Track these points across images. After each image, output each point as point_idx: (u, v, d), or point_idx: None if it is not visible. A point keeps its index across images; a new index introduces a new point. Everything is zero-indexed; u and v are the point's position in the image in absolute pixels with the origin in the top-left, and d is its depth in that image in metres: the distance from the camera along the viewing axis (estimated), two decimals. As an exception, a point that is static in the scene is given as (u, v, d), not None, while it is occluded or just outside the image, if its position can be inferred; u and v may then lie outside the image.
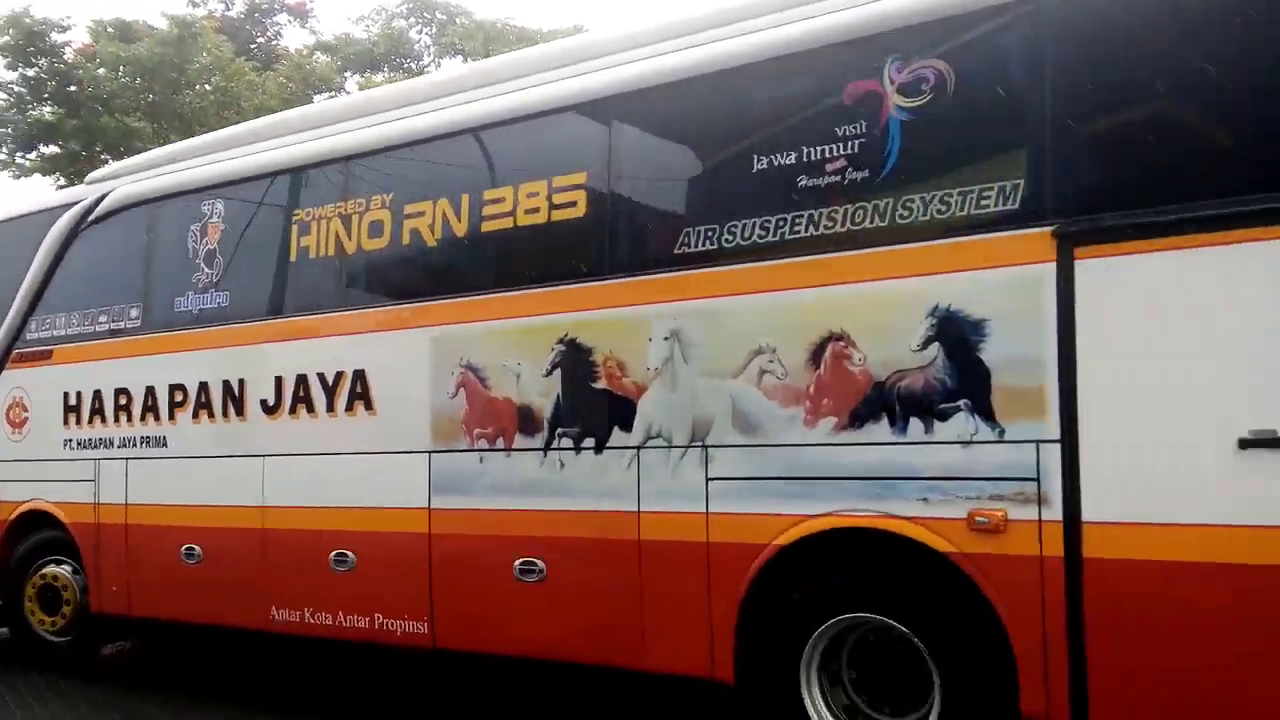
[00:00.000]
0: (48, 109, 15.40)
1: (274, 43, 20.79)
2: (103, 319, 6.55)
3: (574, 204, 4.68)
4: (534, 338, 4.69)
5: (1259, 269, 3.22)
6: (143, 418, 6.20)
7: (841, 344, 3.93)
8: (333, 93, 16.77)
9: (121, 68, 14.93)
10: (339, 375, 5.32)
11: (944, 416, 3.72)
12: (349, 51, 19.84)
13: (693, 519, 4.22)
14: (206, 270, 6.04)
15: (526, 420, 4.70)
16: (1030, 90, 3.71)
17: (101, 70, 15.23)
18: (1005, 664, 3.57)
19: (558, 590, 4.57)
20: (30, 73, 14.95)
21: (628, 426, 4.41)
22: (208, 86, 15.24)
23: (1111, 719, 3.40)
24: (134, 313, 6.39)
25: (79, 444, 6.54)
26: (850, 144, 3.99)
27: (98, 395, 6.43)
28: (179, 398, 6.02)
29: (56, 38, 15.05)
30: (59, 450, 6.62)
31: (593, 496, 4.49)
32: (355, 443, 5.27)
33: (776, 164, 4.16)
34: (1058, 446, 3.49)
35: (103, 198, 6.64)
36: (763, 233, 4.15)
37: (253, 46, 19.56)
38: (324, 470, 5.37)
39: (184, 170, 6.34)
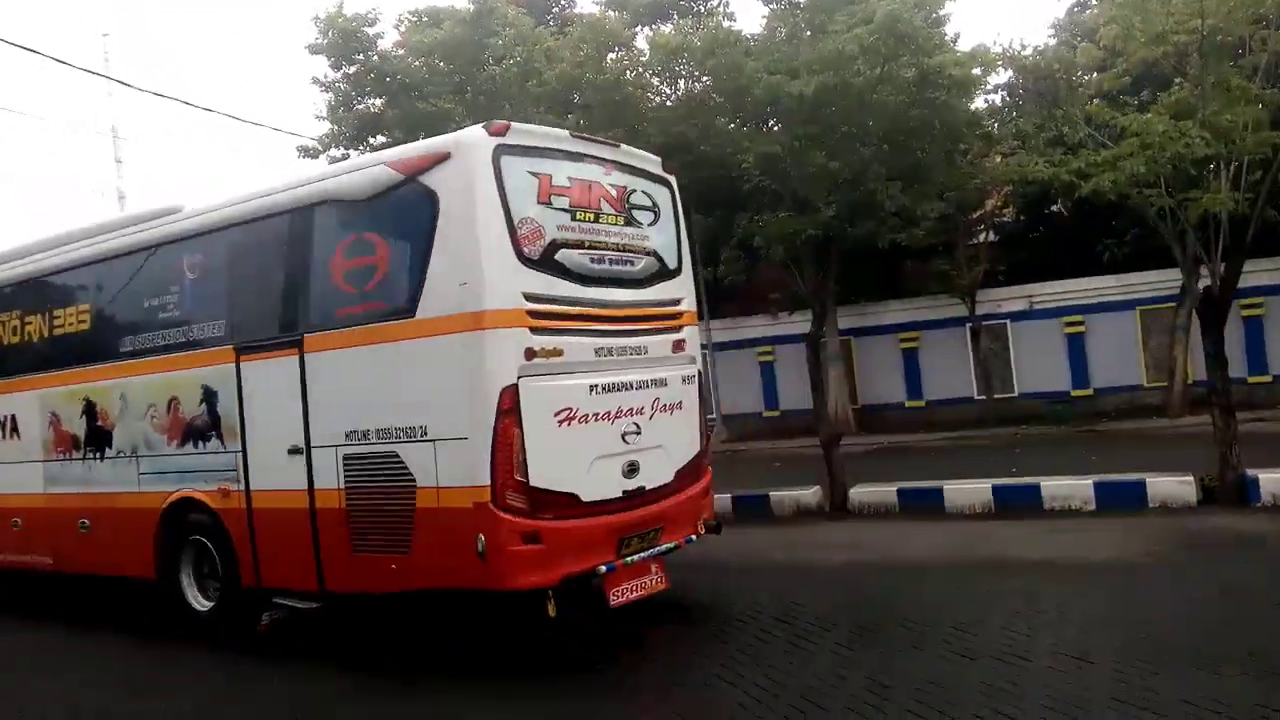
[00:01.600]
0: (371, 102, 16.25)
1: (567, 11, 20.76)
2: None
3: (85, 321, 8.42)
4: (74, 396, 8.45)
5: (287, 369, 6.81)
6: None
7: (177, 402, 7.61)
8: (625, 50, 16.67)
9: (431, 54, 15.55)
10: (9, 417, 9.15)
11: (208, 440, 7.41)
12: (639, 4, 19.31)
13: (133, 494, 7.98)
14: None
15: (76, 443, 8.49)
16: (221, 276, 7.34)
17: (416, 61, 15.91)
18: (236, 562, 7.29)
19: (95, 536, 8.36)
20: (351, 70, 15.73)
21: (110, 445, 8.17)
22: (510, 61, 15.39)
23: (268, 577, 7.09)
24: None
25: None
26: (175, 294, 7.64)
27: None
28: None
29: (368, 31, 15.79)
30: None
31: (102, 484, 8.26)
32: (18, 455, 9.11)
33: (154, 304, 7.82)
34: (242, 454, 7.16)
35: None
36: (146, 342, 7.84)
37: (549, 17, 19.61)
38: (10, 472, 9.21)
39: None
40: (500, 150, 6.09)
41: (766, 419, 21.98)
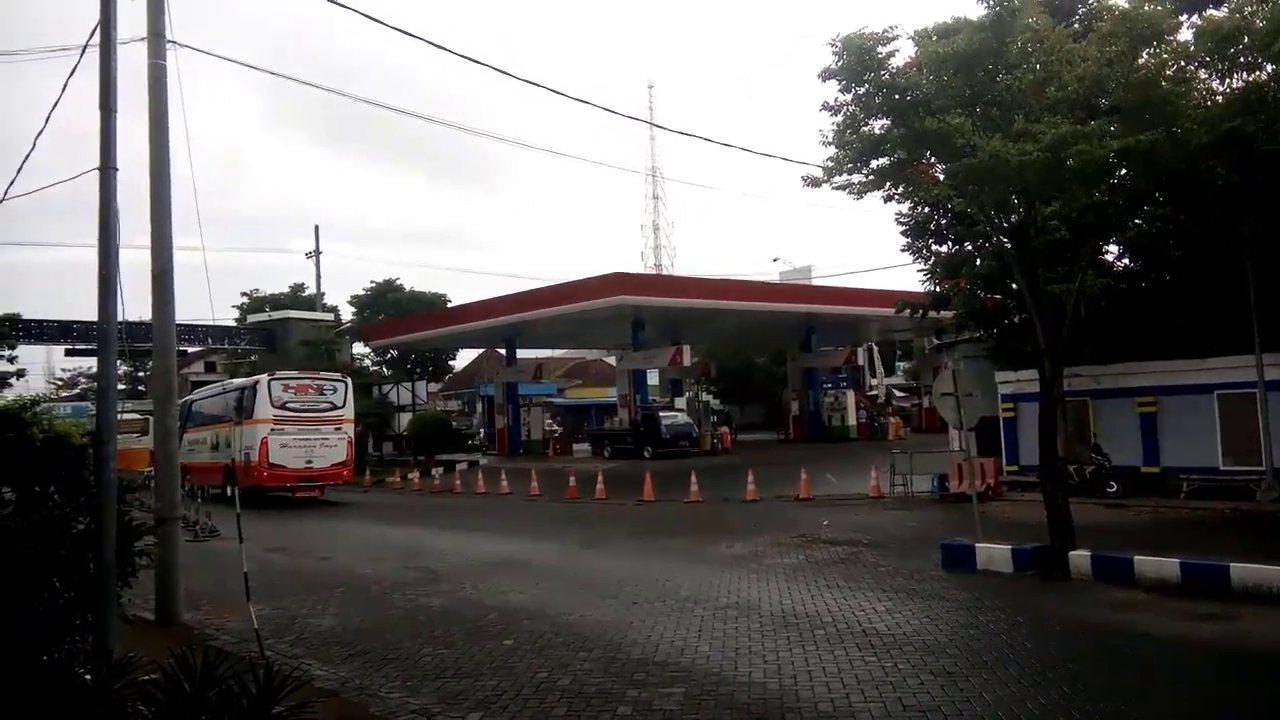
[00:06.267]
0: (878, 123, 14.80)
1: (1094, 4, 17.19)
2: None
3: (217, 409, 28.64)
4: (214, 432, 28.58)
5: (239, 428, 26.23)
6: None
7: (228, 435, 27.38)
8: (1162, 43, 13.59)
9: (944, 66, 13.88)
10: (204, 437, 29.65)
11: (231, 446, 27.03)
12: None
13: (222, 461, 27.83)
14: None
15: (213, 446, 28.59)
16: (233, 400, 27.14)
17: (928, 77, 14.21)
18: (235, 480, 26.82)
19: (213, 471, 28.30)
20: (861, 90, 14.44)
21: (218, 447, 28.14)
22: (1027, 66, 13.58)
23: (242, 483, 26.51)
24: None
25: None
26: (227, 405, 27.51)
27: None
28: None
29: (880, 50, 14.32)
30: None
31: (215, 458, 28.22)
32: (202, 448, 29.48)
33: (226, 407, 27.74)
34: (232, 450, 26.73)
35: (191, 395, 31.77)
36: (224, 417, 27.75)
37: (1074, 18, 17.10)
38: (202, 454, 29.62)
39: None
40: (271, 380, 25.19)
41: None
